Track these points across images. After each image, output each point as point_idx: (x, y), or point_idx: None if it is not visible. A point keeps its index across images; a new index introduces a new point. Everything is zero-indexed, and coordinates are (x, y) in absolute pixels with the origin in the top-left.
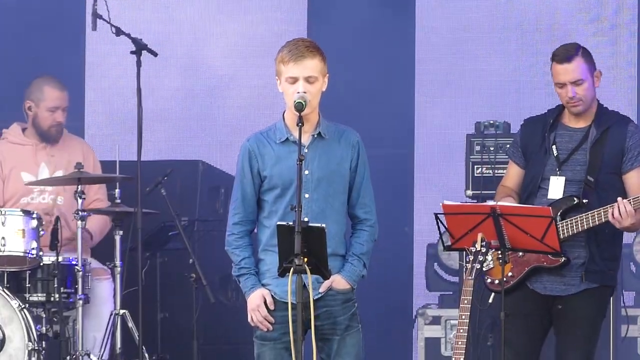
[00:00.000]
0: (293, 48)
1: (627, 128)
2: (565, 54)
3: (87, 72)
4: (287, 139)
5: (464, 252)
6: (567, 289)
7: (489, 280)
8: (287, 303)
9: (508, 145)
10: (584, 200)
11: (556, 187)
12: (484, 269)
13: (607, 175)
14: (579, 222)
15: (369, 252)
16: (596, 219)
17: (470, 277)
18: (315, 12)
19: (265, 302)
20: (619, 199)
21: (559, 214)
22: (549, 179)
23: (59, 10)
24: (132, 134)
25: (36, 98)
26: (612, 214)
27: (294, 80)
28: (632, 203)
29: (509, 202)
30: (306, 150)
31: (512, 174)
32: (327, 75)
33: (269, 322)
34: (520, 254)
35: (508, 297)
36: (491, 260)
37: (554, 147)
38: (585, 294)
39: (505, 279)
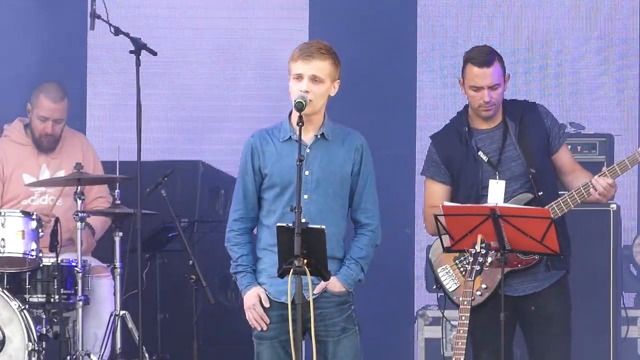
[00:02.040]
0: (304, 47)
1: (538, 110)
2: (484, 58)
3: (89, 71)
4: (289, 137)
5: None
6: (537, 285)
7: (461, 299)
8: (281, 303)
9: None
10: (539, 193)
11: (496, 191)
12: (450, 289)
13: (543, 162)
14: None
15: (367, 256)
16: (563, 207)
17: (470, 278)
18: (316, 12)
19: (261, 301)
20: (594, 178)
21: None
22: (488, 186)
23: (61, 9)
24: (132, 135)
25: (33, 104)
26: (599, 193)
27: (300, 77)
28: (608, 175)
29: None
30: (308, 150)
31: (439, 193)
32: (339, 81)
33: (264, 322)
34: (487, 265)
35: (484, 308)
36: (457, 279)
37: (480, 152)
38: (555, 290)
39: (479, 293)
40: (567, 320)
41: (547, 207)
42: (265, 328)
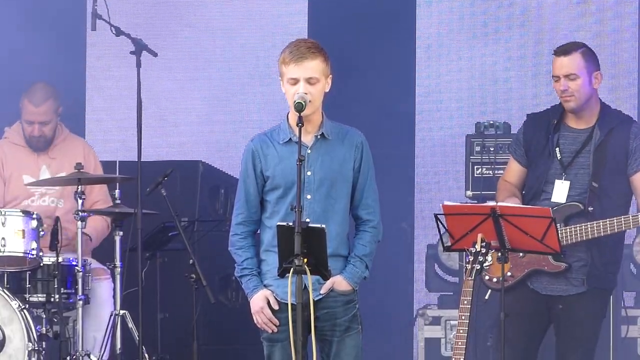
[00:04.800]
0: (294, 49)
1: (630, 129)
2: (565, 48)
3: (88, 72)
4: (290, 139)
5: (464, 253)
6: (568, 289)
7: (487, 277)
8: (288, 304)
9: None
10: (590, 208)
11: (560, 191)
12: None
13: (611, 180)
14: (589, 230)
15: (371, 253)
16: (601, 230)
17: (470, 278)
18: (316, 12)
19: (269, 303)
20: None
21: (562, 219)
22: (553, 183)
23: (60, 10)
24: (132, 134)
25: (21, 107)
26: None
27: (295, 81)
28: None
29: (515, 203)
30: (309, 151)
31: (514, 171)
32: (331, 76)
33: (273, 324)
34: (521, 255)
35: (507, 296)
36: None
37: (557, 149)
38: (586, 295)
39: (504, 278)
40: (594, 326)
41: (568, 227)
42: (275, 330)
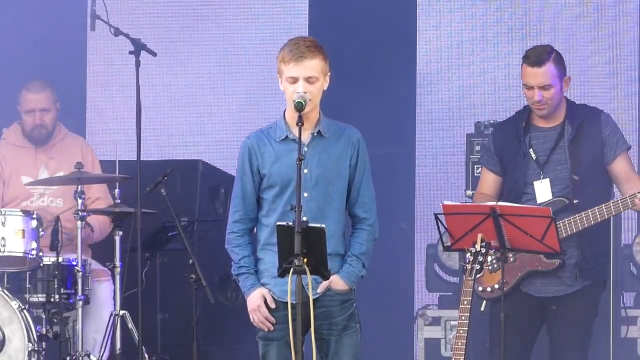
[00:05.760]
0: (294, 48)
1: (600, 119)
2: (537, 57)
3: (88, 71)
4: (286, 137)
5: (464, 253)
6: (561, 289)
7: (480, 289)
8: (286, 303)
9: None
10: (575, 201)
11: (543, 191)
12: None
13: (590, 171)
14: (578, 221)
15: (368, 252)
16: (591, 219)
17: (470, 278)
18: (317, 9)
19: (265, 302)
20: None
21: None
22: (532, 184)
23: (60, 10)
24: (132, 134)
25: (20, 102)
26: None
27: (294, 80)
28: None
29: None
30: (306, 149)
31: (489, 182)
32: (329, 74)
33: (270, 322)
34: (512, 259)
35: (503, 303)
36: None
37: (531, 150)
38: (579, 294)
39: (497, 287)
40: (588, 325)
41: (582, 213)
42: (271, 329)
